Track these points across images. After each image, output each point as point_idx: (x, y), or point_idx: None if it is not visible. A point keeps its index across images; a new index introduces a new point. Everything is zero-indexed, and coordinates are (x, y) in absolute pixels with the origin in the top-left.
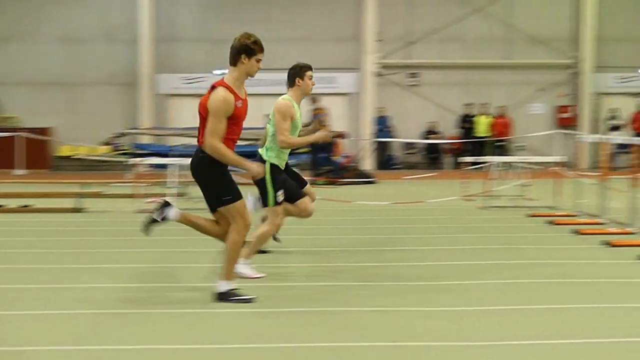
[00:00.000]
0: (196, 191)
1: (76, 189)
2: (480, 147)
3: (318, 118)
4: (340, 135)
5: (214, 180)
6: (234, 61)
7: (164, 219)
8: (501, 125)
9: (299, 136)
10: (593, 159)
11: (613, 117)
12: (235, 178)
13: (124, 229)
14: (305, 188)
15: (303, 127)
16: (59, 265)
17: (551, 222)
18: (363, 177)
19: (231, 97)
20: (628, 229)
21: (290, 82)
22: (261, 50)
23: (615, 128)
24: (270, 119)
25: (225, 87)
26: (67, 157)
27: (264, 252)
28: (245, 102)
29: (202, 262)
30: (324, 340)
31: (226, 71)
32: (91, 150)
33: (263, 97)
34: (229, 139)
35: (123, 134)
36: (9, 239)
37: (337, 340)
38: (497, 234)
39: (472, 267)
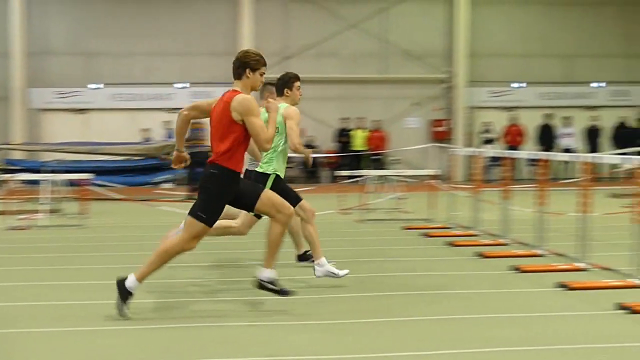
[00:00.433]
0: (70, 207)
1: None
2: (356, 160)
3: (196, 132)
4: None
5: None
6: (239, 75)
7: None
8: (377, 139)
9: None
10: (467, 172)
11: (486, 131)
12: None
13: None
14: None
15: (186, 140)
16: None
17: (426, 235)
18: None
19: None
20: (500, 240)
21: (279, 92)
22: (265, 64)
23: (489, 141)
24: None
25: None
26: None
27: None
28: None
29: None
30: (200, 356)
31: (101, 85)
32: None
33: (139, 112)
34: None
35: None
36: None
37: (212, 356)
38: (374, 247)
39: (348, 280)
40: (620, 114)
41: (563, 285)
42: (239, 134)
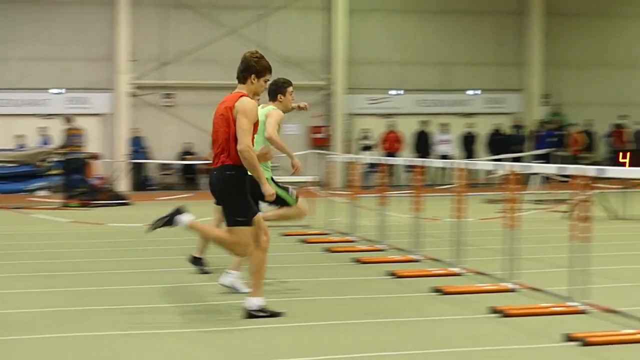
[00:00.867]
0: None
1: None
2: None
3: (72, 139)
4: (94, 157)
5: (235, 196)
6: (244, 79)
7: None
8: None
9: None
10: (345, 178)
11: (365, 138)
12: None
13: None
14: None
15: (61, 147)
16: None
17: (304, 241)
18: (117, 199)
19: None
20: (377, 246)
21: (272, 97)
22: (270, 71)
23: (367, 148)
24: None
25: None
26: None
27: None
28: None
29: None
30: None
31: None
32: None
33: (13, 118)
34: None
35: None
36: None
37: None
38: None
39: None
40: (495, 121)
41: (438, 290)
42: None
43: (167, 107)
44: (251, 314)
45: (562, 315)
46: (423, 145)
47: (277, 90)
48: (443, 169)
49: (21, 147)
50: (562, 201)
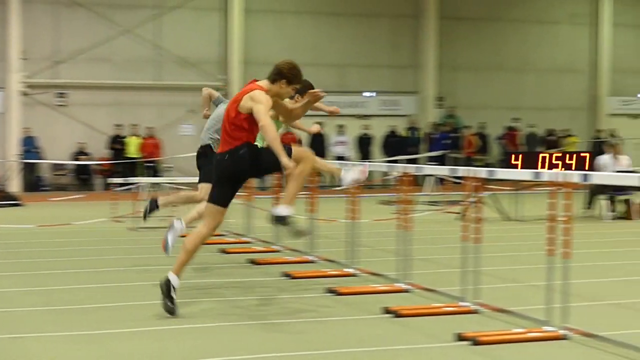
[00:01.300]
0: None
1: None
2: (130, 168)
3: None
4: None
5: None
6: (273, 80)
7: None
8: (151, 146)
9: None
10: None
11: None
12: None
13: None
14: None
15: None
16: None
17: None
18: (8, 200)
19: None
20: (272, 247)
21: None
22: (300, 82)
23: None
24: None
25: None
26: None
27: None
28: None
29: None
30: None
31: None
32: None
33: None
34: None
35: None
36: None
37: None
38: (147, 255)
39: (120, 289)
40: (390, 123)
41: (332, 291)
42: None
43: (60, 106)
44: (278, 220)
45: (455, 315)
46: (319, 146)
47: (301, 91)
48: None
49: None
50: (455, 202)
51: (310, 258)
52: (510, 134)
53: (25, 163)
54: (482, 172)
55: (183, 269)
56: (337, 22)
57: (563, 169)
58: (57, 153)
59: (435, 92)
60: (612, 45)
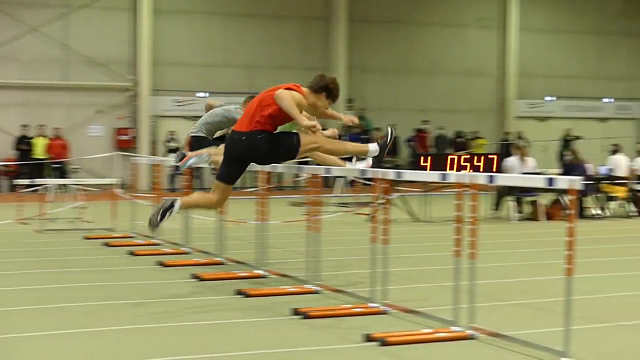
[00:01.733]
0: None
1: None
2: (37, 169)
3: None
4: None
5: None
6: (314, 90)
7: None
8: (58, 147)
9: None
10: (150, 181)
11: (171, 140)
12: None
13: None
14: None
15: None
16: None
17: (107, 244)
18: None
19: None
20: (182, 249)
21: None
22: (336, 100)
23: (173, 150)
24: None
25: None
26: None
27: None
28: None
29: None
30: None
31: None
32: None
33: None
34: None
35: None
36: None
37: None
38: (54, 257)
39: (18, 293)
40: None
41: (241, 293)
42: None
43: None
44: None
45: (363, 316)
46: None
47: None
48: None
49: None
50: (365, 204)
51: (219, 260)
52: (419, 135)
53: None
54: (391, 174)
55: (187, 207)
56: (248, 23)
57: (471, 170)
58: None
59: (345, 94)
60: (520, 48)
